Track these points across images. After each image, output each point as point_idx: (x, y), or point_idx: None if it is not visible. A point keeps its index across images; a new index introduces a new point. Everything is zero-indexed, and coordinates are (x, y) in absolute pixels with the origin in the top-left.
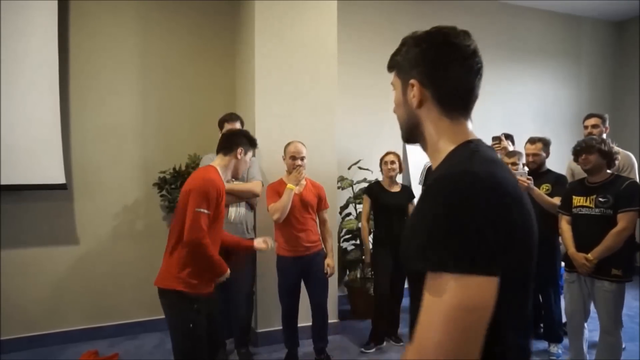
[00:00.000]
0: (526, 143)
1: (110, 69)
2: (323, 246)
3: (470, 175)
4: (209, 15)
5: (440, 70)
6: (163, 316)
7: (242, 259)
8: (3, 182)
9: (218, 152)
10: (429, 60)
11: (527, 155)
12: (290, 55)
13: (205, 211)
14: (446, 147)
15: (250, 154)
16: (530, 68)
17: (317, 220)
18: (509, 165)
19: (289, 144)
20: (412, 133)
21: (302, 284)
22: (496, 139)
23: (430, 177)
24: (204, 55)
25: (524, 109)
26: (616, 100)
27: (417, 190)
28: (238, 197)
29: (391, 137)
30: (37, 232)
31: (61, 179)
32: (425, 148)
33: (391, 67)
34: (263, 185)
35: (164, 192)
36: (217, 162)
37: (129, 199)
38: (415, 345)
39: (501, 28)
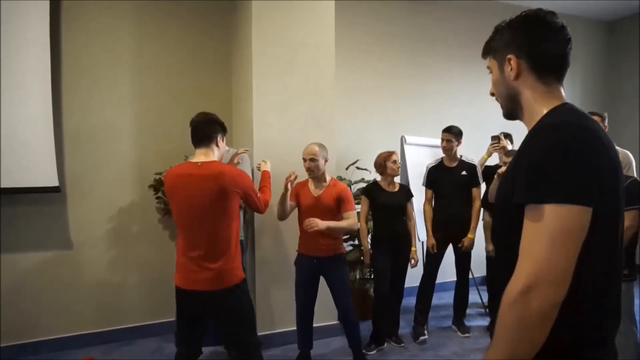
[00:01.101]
0: None
1: (103, 70)
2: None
3: (568, 124)
4: (205, 15)
5: (535, 42)
6: (160, 320)
7: None
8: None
9: (198, 145)
10: (525, 37)
11: None
12: (287, 56)
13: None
14: (542, 109)
15: (225, 138)
16: None
17: None
18: (507, 165)
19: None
20: (511, 105)
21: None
22: (495, 138)
23: (532, 129)
24: (200, 55)
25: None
26: (608, 98)
27: (420, 190)
28: None
29: (388, 137)
30: (31, 236)
31: (54, 182)
32: (522, 117)
33: (486, 52)
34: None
35: (159, 194)
36: (205, 156)
37: (124, 201)
38: (523, 261)
39: (494, 26)
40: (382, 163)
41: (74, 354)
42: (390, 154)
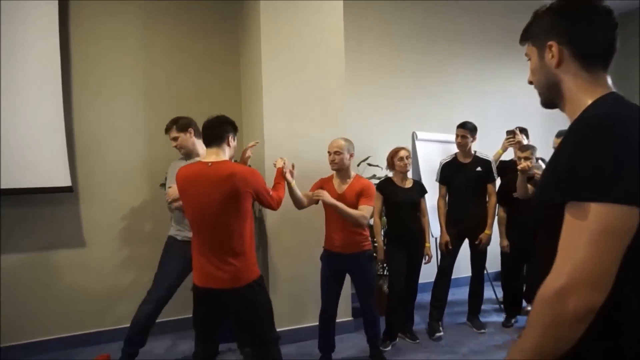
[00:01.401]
0: (555, 137)
1: (113, 70)
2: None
3: (614, 115)
4: (214, 14)
5: (580, 27)
6: (174, 318)
7: None
8: (7, 186)
9: (209, 145)
10: (568, 21)
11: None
12: (297, 55)
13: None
14: (586, 100)
15: (236, 137)
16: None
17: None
18: (521, 160)
19: None
20: (551, 94)
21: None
22: (510, 132)
23: (574, 121)
24: (209, 55)
25: (531, 104)
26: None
27: (433, 186)
28: None
29: (399, 134)
30: (44, 236)
31: (67, 182)
32: (563, 106)
33: (525, 39)
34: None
35: None
36: (217, 155)
37: (136, 200)
38: (562, 260)
39: (501, 24)
40: (390, 160)
41: (88, 351)
42: (397, 150)
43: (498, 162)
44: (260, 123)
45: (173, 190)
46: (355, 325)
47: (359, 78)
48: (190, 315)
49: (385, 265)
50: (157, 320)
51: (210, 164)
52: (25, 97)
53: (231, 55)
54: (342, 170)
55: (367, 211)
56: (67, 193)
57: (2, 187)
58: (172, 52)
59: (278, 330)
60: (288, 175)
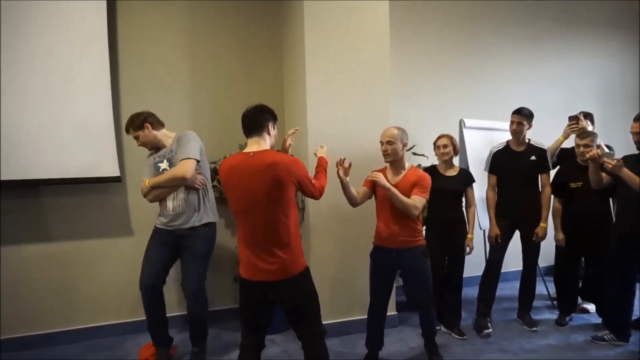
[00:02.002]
0: (633, 121)
1: (159, 62)
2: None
3: None
4: (257, 7)
5: None
6: (220, 308)
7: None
8: (60, 176)
9: (250, 134)
10: None
11: (634, 134)
12: (340, 41)
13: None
14: None
15: (276, 126)
16: (589, 42)
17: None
18: (581, 148)
19: None
20: None
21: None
22: (573, 118)
23: None
24: (252, 46)
25: (590, 88)
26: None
27: (482, 176)
28: (169, 187)
29: (446, 121)
30: (93, 225)
31: (115, 172)
32: None
33: None
34: (199, 162)
35: (215, 183)
36: (258, 145)
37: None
38: None
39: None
40: (433, 147)
41: (137, 338)
42: (437, 138)
43: (559, 150)
44: (303, 112)
45: (142, 184)
46: (399, 320)
47: (403, 64)
48: (235, 306)
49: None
50: None
51: (251, 154)
52: (77, 92)
53: (274, 45)
54: (395, 161)
55: (419, 202)
56: (115, 183)
57: (54, 176)
58: (217, 44)
59: (325, 322)
60: (341, 174)
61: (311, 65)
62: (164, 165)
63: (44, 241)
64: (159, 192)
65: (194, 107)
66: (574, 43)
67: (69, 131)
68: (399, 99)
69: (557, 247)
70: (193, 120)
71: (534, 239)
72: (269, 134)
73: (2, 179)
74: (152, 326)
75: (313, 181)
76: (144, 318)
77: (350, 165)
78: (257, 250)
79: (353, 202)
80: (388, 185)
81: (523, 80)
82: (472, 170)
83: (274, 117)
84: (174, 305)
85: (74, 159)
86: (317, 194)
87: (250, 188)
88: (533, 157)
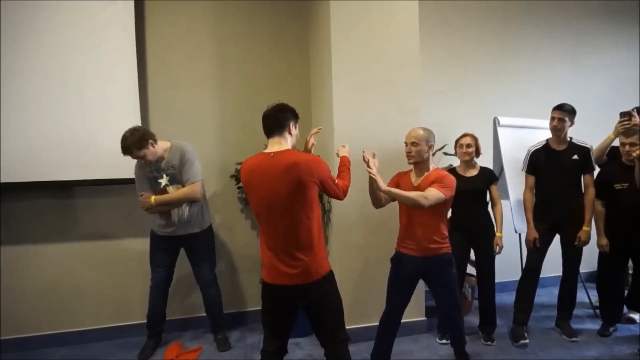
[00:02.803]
0: None
1: (186, 62)
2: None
3: None
4: (283, 7)
5: None
6: (247, 309)
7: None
8: (84, 177)
9: (271, 134)
10: None
11: None
12: (368, 37)
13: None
14: None
15: (297, 126)
16: (634, 34)
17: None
18: (627, 147)
19: None
20: None
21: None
22: (625, 114)
23: None
24: (279, 44)
25: (629, 82)
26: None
27: (518, 177)
28: (176, 204)
29: (479, 119)
30: (115, 225)
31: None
32: None
33: None
34: (203, 182)
35: (240, 184)
36: (279, 145)
37: (207, 192)
38: None
39: None
40: (454, 146)
41: (165, 337)
42: (459, 137)
43: (609, 148)
44: (330, 111)
45: (144, 199)
46: (428, 325)
47: (434, 60)
48: (259, 308)
49: None
50: (226, 312)
51: (272, 154)
52: (102, 92)
53: (301, 43)
54: (420, 162)
55: (432, 194)
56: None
57: (78, 178)
58: (244, 43)
59: (352, 327)
60: (373, 171)
61: (338, 64)
62: (164, 181)
63: (74, 240)
64: (164, 209)
65: (221, 106)
66: (616, 35)
67: (94, 133)
68: (429, 96)
69: (600, 252)
70: (220, 119)
71: (576, 243)
72: (290, 133)
73: (35, 180)
74: (152, 321)
75: (336, 181)
76: (173, 318)
77: (374, 155)
78: (279, 253)
79: (378, 203)
80: (385, 187)
81: (562, 75)
82: (507, 170)
83: (295, 116)
84: (199, 307)
85: (98, 160)
86: (340, 195)
87: (272, 189)
88: (575, 157)
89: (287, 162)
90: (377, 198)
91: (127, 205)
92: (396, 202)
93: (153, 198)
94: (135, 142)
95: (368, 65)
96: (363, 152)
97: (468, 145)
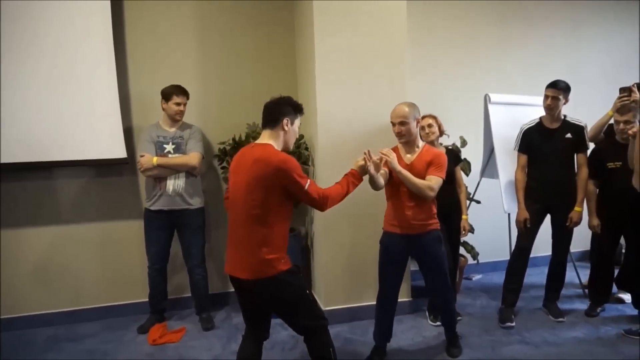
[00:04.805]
0: None
1: (167, 38)
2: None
3: None
4: None
5: None
6: (230, 290)
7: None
8: (73, 158)
9: (264, 127)
10: None
11: None
12: (352, 6)
13: (308, 182)
14: None
15: (297, 122)
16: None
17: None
18: (621, 125)
19: None
20: None
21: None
22: (625, 90)
23: None
24: (263, 22)
25: (628, 57)
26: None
27: (510, 155)
28: (174, 170)
29: (468, 96)
30: (105, 207)
31: (122, 154)
32: None
33: None
34: (204, 157)
35: (224, 164)
36: (265, 138)
37: None
38: None
39: None
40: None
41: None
42: (422, 117)
43: (606, 125)
44: (313, 92)
45: (146, 159)
46: (414, 306)
47: (420, 30)
48: None
49: None
50: (212, 292)
51: (253, 145)
52: (81, 74)
53: (286, 20)
54: (410, 140)
55: (435, 182)
56: (124, 165)
57: (64, 158)
58: (227, 18)
59: (332, 308)
60: (385, 150)
61: (320, 43)
62: (169, 147)
63: (57, 223)
64: (162, 172)
65: (202, 84)
66: (616, 6)
67: (77, 115)
68: (414, 71)
69: (593, 234)
70: (202, 98)
71: (567, 224)
72: (283, 129)
73: (12, 161)
74: (154, 299)
75: (307, 187)
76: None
77: (381, 159)
78: (234, 245)
79: (377, 186)
80: (399, 167)
81: (554, 49)
82: (497, 149)
83: (294, 112)
84: (184, 288)
85: (83, 141)
86: (317, 205)
87: (238, 180)
88: (569, 135)
89: (254, 156)
90: (379, 185)
91: (106, 187)
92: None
93: (155, 159)
94: (185, 90)
95: (351, 37)
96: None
97: (429, 125)
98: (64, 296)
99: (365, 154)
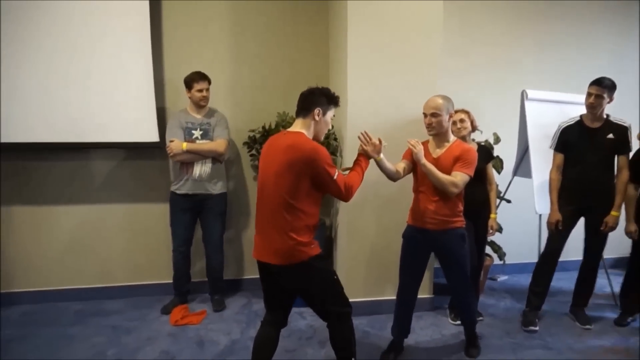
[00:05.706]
0: None
1: (201, 26)
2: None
3: None
4: None
5: None
6: (251, 276)
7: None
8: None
9: (297, 115)
10: None
11: None
12: (386, 19)
13: (336, 172)
14: None
15: (330, 113)
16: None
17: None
18: None
19: None
20: None
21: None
22: None
23: None
24: (296, 11)
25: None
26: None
27: (546, 153)
28: (202, 155)
29: (505, 92)
30: (135, 189)
31: (155, 138)
32: None
33: None
34: (229, 144)
35: (253, 152)
36: (298, 127)
37: None
38: None
39: None
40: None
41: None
42: (454, 112)
43: None
44: (344, 84)
45: (176, 144)
46: (435, 303)
47: (456, 25)
48: None
49: None
50: (235, 278)
51: (285, 133)
52: (120, 60)
53: (319, 10)
54: (440, 133)
55: (460, 179)
56: (157, 148)
57: (98, 140)
58: (260, 8)
59: (352, 300)
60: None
61: (353, 34)
62: (197, 133)
63: (89, 202)
64: (190, 157)
65: (234, 72)
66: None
67: (113, 100)
68: (448, 64)
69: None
70: (233, 85)
71: (602, 228)
72: (314, 119)
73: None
74: (178, 282)
75: (335, 177)
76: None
77: (380, 141)
78: (263, 230)
79: (392, 177)
80: (423, 160)
81: (598, 46)
82: (532, 147)
83: (327, 103)
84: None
85: (118, 125)
86: (342, 195)
87: (269, 166)
88: (610, 135)
89: (286, 142)
90: (390, 172)
91: (151, 170)
92: (411, 174)
93: (185, 144)
94: (206, 76)
95: (385, 38)
96: (365, 134)
97: (461, 121)
98: (93, 273)
99: (362, 134)
